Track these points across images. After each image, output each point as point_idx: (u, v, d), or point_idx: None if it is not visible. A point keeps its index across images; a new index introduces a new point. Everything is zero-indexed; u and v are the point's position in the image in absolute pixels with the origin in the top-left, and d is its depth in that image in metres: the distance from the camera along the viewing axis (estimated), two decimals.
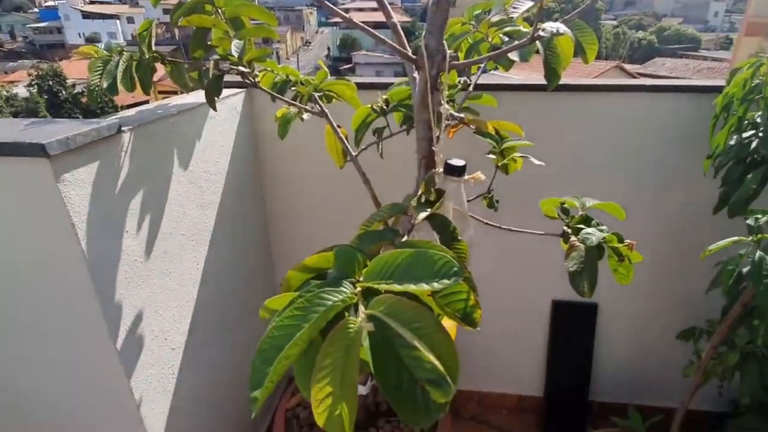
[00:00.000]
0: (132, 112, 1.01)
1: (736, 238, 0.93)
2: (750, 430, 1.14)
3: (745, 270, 0.93)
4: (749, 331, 1.06)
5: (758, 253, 0.88)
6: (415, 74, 0.78)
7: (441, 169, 0.61)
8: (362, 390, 1.28)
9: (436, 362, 0.26)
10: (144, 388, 0.97)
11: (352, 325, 0.28)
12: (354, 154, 0.96)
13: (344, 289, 0.30)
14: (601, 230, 0.70)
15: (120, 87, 0.84)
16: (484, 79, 1.25)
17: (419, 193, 0.58)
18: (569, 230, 0.73)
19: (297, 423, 1.40)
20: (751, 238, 0.91)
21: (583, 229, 0.72)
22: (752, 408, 1.38)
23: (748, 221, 0.92)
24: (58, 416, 0.97)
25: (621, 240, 0.71)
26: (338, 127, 0.97)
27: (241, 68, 0.89)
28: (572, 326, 1.63)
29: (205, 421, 1.24)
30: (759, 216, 0.91)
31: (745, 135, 1.02)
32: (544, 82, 0.84)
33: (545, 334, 1.68)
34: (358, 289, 0.31)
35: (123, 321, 0.89)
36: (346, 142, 0.97)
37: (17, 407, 0.95)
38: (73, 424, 0.98)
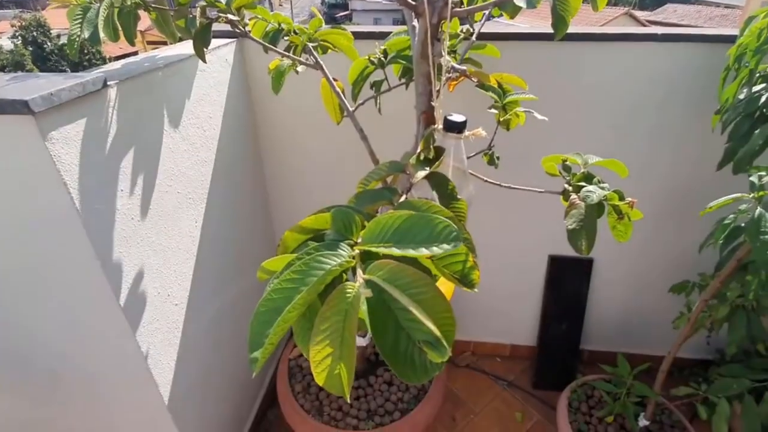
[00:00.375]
0: (118, 65, 0.97)
1: (737, 194, 0.92)
2: (733, 378, 1.19)
3: (743, 224, 0.93)
4: (741, 286, 1.09)
5: (758, 210, 0.87)
6: (415, 22, 0.74)
7: (441, 125, 0.59)
8: (362, 342, 1.33)
9: (433, 327, 0.26)
10: (150, 342, 1.00)
11: (351, 291, 0.28)
12: (351, 109, 0.93)
13: (342, 253, 0.30)
14: (603, 188, 0.69)
15: (104, 37, 0.80)
16: (488, 28, 1.19)
17: (418, 150, 0.57)
18: (570, 188, 0.73)
19: (300, 372, 1.46)
20: (752, 195, 0.90)
21: (584, 186, 0.71)
22: (737, 357, 1.44)
23: (751, 178, 0.91)
24: (69, 369, 1.00)
25: (622, 197, 0.70)
26: (334, 80, 0.93)
27: (230, 16, 0.84)
28: (568, 280, 1.67)
29: (210, 372, 1.29)
30: (763, 173, 0.90)
31: (755, 88, 0.98)
32: (550, 30, 0.80)
33: (541, 287, 1.72)
34: (356, 252, 0.31)
35: (125, 279, 0.90)
36: (342, 96, 0.93)
37: (28, 361, 0.98)
38: (84, 376, 1.02)
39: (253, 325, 0.28)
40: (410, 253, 0.28)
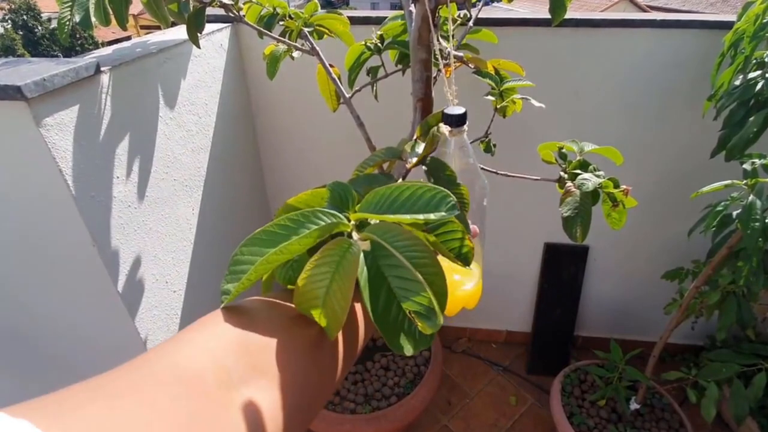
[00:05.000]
0: (109, 50, 0.96)
1: (728, 181, 0.93)
2: (722, 362, 1.22)
3: (735, 213, 0.94)
4: (732, 272, 1.10)
5: (750, 197, 0.88)
6: (412, 7, 0.73)
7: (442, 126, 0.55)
8: None
9: (429, 293, 0.26)
10: (149, 328, 1.00)
11: (346, 244, 0.28)
12: (347, 96, 0.92)
13: (339, 215, 0.30)
14: (598, 175, 0.70)
15: (95, 21, 0.78)
16: (488, 14, 1.17)
17: (414, 137, 0.56)
18: (566, 175, 0.73)
19: None
20: (744, 181, 0.91)
21: (579, 174, 0.71)
22: (727, 342, 1.47)
23: (744, 165, 0.92)
24: (72, 352, 1.01)
25: (617, 185, 0.70)
26: (330, 66, 0.92)
27: (224, 0, 0.82)
28: (563, 268, 1.68)
29: None
30: (756, 160, 0.91)
31: (751, 75, 0.98)
32: (548, 16, 0.79)
33: (536, 274, 1.74)
34: (353, 222, 0.31)
35: (122, 265, 0.91)
36: (338, 83, 0.92)
37: (32, 344, 0.99)
38: (87, 360, 1.03)
39: (235, 257, 0.27)
40: (405, 218, 0.28)
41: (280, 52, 0.93)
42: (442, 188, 0.29)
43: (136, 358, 0.22)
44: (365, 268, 0.28)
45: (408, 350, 0.27)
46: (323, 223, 0.28)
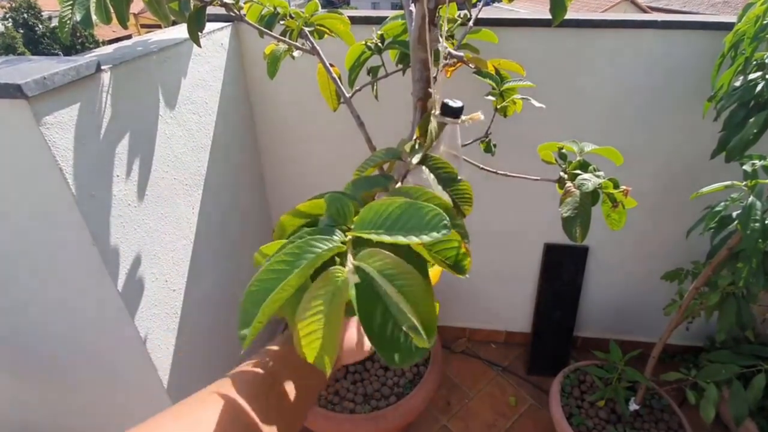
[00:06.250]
0: (110, 49, 0.96)
1: (728, 182, 0.93)
2: (722, 363, 1.22)
3: (735, 214, 0.94)
4: (731, 273, 1.10)
5: (750, 198, 0.88)
6: (412, 7, 0.73)
7: (437, 111, 0.59)
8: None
9: (415, 319, 0.27)
10: (149, 327, 1.01)
11: (339, 275, 0.29)
12: (348, 95, 0.92)
13: (335, 238, 0.31)
14: (598, 176, 0.70)
15: (96, 20, 0.78)
16: (489, 14, 1.17)
17: (414, 137, 0.57)
18: (566, 176, 0.73)
19: None
20: (744, 183, 0.91)
21: (579, 174, 0.71)
22: (727, 344, 1.47)
23: (744, 167, 0.92)
24: (70, 353, 1.01)
25: (617, 186, 0.70)
26: (331, 65, 0.92)
27: None
28: (563, 268, 1.68)
29: (207, 356, 1.31)
30: (756, 162, 0.91)
31: (751, 77, 0.98)
32: (548, 16, 0.79)
33: (536, 275, 1.74)
34: (349, 237, 0.31)
35: (122, 264, 0.91)
36: (339, 82, 0.92)
37: (30, 344, 0.99)
38: (84, 360, 1.03)
39: (244, 303, 0.29)
40: (400, 240, 0.29)
41: (281, 51, 0.93)
42: (435, 207, 0.30)
43: None
44: (358, 292, 0.29)
45: (403, 364, 0.28)
46: (316, 254, 0.29)
